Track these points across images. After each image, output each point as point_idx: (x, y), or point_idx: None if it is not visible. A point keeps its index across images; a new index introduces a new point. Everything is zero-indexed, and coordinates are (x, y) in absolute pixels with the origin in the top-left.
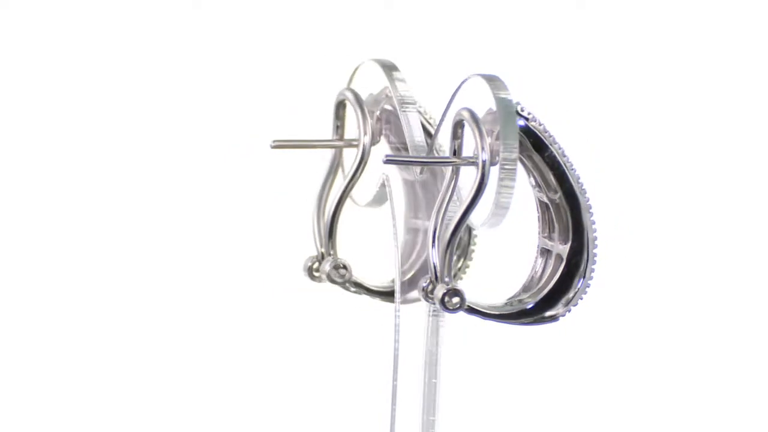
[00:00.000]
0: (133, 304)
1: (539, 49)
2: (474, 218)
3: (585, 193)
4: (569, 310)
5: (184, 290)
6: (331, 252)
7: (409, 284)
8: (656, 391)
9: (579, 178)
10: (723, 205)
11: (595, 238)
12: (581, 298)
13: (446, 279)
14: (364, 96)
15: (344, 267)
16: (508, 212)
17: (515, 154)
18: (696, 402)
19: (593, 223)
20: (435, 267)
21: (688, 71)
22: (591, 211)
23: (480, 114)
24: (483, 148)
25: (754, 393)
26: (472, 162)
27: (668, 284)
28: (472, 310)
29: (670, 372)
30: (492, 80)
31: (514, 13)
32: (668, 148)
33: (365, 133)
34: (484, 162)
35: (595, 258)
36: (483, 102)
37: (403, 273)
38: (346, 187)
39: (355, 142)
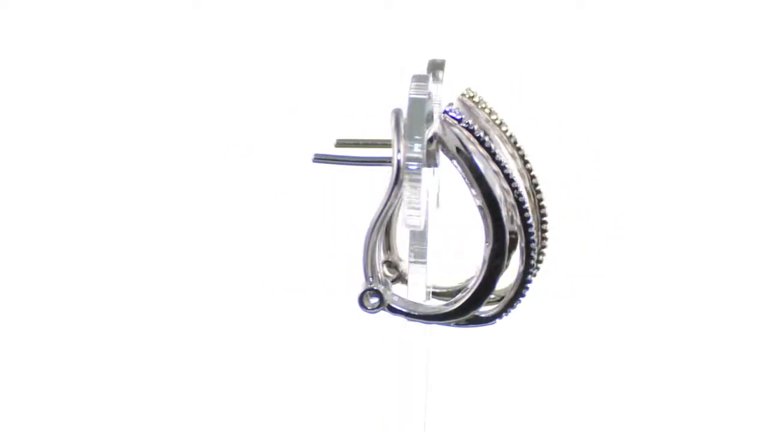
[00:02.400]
0: (135, 306)
1: (539, 49)
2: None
3: (521, 196)
4: (507, 313)
5: (186, 292)
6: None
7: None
8: (653, 393)
9: (513, 181)
10: (724, 206)
11: (532, 241)
12: (519, 301)
13: (370, 279)
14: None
15: (395, 267)
16: (421, 213)
17: (417, 154)
18: (691, 406)
19: (529, 226)
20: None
21: (689, 71)
22: (527, 214)
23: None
24: (399, 150)
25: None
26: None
27: (669, 285)
28: (395, 311)
29: (669, 374)
30: (418, 79)
31: (514, 13)
32: (669, 149)
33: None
34: (398, 162)
35: (532, 261)
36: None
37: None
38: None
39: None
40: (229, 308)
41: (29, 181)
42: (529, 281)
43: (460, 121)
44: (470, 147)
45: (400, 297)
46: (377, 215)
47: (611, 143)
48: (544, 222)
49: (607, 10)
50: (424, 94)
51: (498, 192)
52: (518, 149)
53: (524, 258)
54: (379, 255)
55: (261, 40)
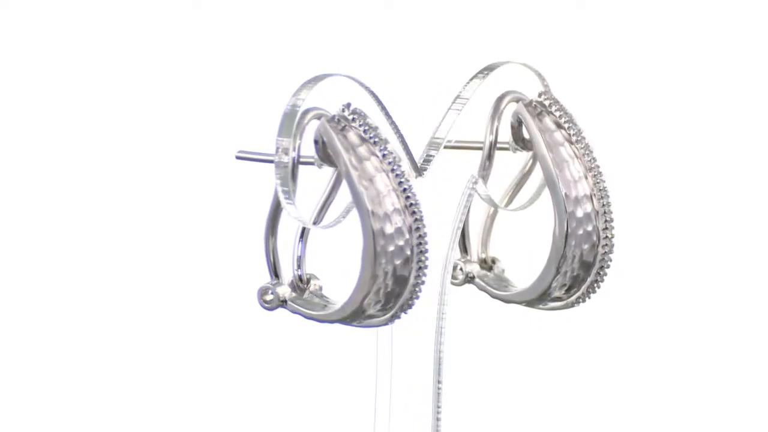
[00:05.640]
0: (124, 310)
1: (539, 49)
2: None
3: (410, 198)
4: (399, 316)
5: (180, 294)
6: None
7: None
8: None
9: (402, 183)
10: (724, 206)
11: (421, 243)
12: (410, 306)
13: (273, 277)
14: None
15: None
16: (295, 212)
17: (283, 157)
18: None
19: (418, 229)
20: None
21: (689, 71)
22: (417, 216)
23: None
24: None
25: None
26: (310, 162)
27: (669, 285)
28: (293, 310)
29: (669, 374)
30: (311, 81)
31: (514, 13)
32: (668, 149)
33: (491, 133)
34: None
35: (421, 265)
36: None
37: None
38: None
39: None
40: (226, 307)
41: (23, 176)
42: (422, 282)
43: (352, 121)
44: (362, 148)
45: (320, 297)
46: (267, 216)
47: (611, 143)
48: (607, 228)
49: (607, 10)
50: (301, 100)
51: (384, 192)
52: (584, 152)
53: (416, 262)
54: (300, 254)
55: (261, 40)
